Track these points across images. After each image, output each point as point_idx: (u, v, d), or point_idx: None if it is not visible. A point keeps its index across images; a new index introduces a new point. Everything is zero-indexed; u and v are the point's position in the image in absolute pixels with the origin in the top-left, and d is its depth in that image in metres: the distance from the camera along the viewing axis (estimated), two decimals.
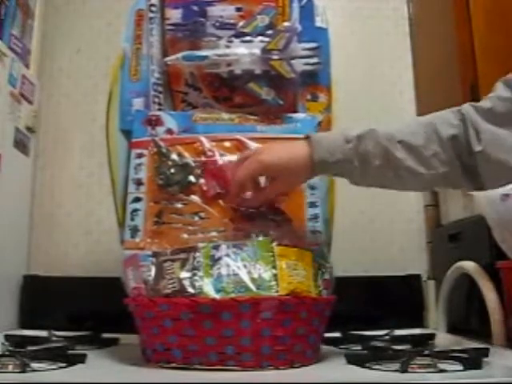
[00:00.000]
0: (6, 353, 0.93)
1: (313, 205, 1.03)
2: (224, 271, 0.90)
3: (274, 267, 0.90)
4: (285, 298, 0.87)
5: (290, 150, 0.93)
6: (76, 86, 1.63)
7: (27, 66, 1.50)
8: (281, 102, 1.09)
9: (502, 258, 1.06)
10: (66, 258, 1.52)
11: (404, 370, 0.81)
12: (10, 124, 1.38)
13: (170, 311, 0.87)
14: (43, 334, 1.20)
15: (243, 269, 0.90)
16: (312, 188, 1.03)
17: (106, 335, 1.22)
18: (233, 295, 0.86)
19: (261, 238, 0.95)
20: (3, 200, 1.33)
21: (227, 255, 0.92)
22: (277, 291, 0.87)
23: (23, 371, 0.82)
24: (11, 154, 1.38)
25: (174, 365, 0.88)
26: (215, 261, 0.91)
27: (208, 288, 0.88)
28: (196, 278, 0.89)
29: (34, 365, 0.85)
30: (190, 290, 0.88)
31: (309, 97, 1.12)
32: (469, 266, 1.17)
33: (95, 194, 1.56)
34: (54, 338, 1.16)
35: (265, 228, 0.97)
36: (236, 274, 0.89)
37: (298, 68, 1.08)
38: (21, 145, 1.44)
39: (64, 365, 0.88)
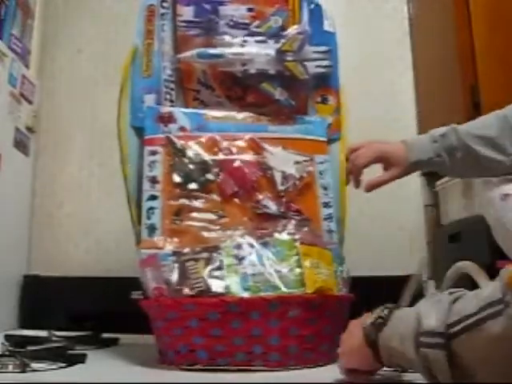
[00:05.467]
0: (6, 353, 0.93)
1: (327, 205, 1.04)
2: (250, 270, 0.89)
3: (299, 266, 0.91)
4: (312, 296, 0.87)
5: (391, 145, 1.07)
6: (76, 86, 1.63)
7: (27, 66, 1.50)
8: (293, 103, 1.10)
9: (502, 258, 1.06)
10: (66, 257, 1.52)
11: (404, 370, 0.80)
12: (10, 124, 1.38)
13: (196, 311, 0.86)
14: (43, 333, 1.20)
15: (269, 268, 0.89)
16: (325, 188, 1.04)
17: (106, 335, 1.22)
18: (261, 294, 0.86)
19: (284, 237, 0.95)
20: (3, 200, 1.33)
21: (251, 254, 0.91)
22: (304, 290, 0.88)
23: (23, 371, 0.82)
24: (11, 154, 1.38)
25: (198, 366, 0.86)
26: (239, 260, 0.90)
27: (235, 287, 0.87)
28: (222, 277, 0.88)
29: (34, 365, 0.85)
30: (217, 289, 0.87)
31: (319, 99, 1.13)
32: (469, 266, 1.17)
33: (95, 194, 1.56)
34: (54, 338, 1.16)
35: (285, 227, 0.97)
36: (262, 273, 0.89)
37: (310, 70, 1.09)
38: (21, 145, 1.44)
39: (64, 365, 0.88)
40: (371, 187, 1.06)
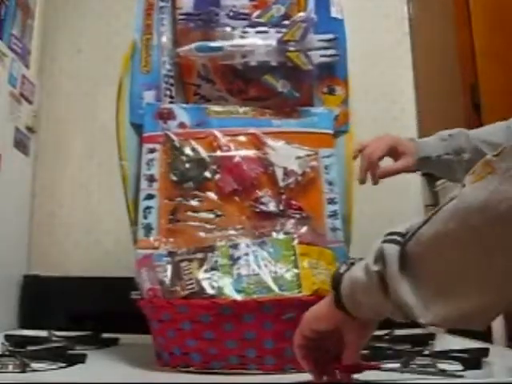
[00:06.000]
0: (6, 353, 0.93)
1: (332, 201, 1.00)
2: (244, 271, 0.87)
3: (296, 266, 0.88)
4: (308, 298, 0.83)
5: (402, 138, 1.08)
6: (76, 86, 1.63)
7: (27, 66, 1.50)
8: (297, 95, 1.06)
9: None
10: (66, 257, 1.52)
11: (404, 370, 0.80)
12: (10, 124, 1.38)
13: (189, 313, 0.84)
14: (43, 333, 1.20)
15: (264, 268, 0.87)
16: (330, 184, 1.01)
17: (106, 335, 1.22)
18: (254, 296, 0.83)
19: (281, 237, 0.92)
20: (3, 200, 1.33)
21: (247, 254, 0.89)
22: (300, 291, 0.85)
23: (23, 371, 0.82)
24: (11, 154, 1.38)
25: (192, 369, 0.85)
26: (234, 260, 0.88)
27: (228, 289, 0.85)
28: (215, 278, 0.86)
29: (34, 365, 0.85)
30: (210, 291, 0.85)
31: (325, 90, 1.09)
32: None
33: (95, 194, 1.56)
34: (54, 338, 1.16)
35: (283, 226, 0.95)
36: (257, 274, 0.86)
37: (314, 60, 1.05)
38: (21, 145, 1.44)
39: (64, 365, 0.88)
40: (383, 175, 1.05)
